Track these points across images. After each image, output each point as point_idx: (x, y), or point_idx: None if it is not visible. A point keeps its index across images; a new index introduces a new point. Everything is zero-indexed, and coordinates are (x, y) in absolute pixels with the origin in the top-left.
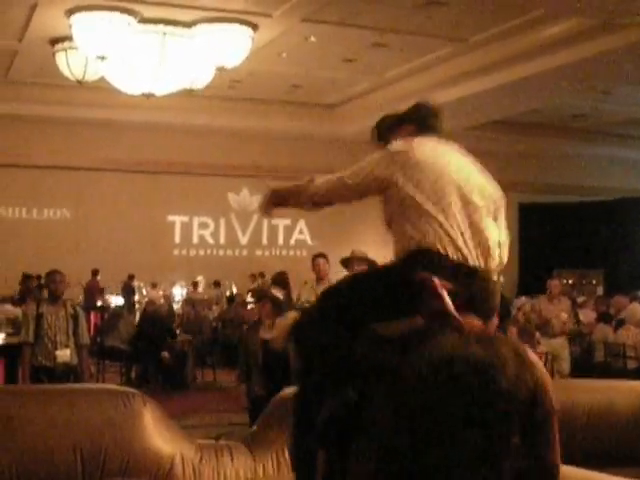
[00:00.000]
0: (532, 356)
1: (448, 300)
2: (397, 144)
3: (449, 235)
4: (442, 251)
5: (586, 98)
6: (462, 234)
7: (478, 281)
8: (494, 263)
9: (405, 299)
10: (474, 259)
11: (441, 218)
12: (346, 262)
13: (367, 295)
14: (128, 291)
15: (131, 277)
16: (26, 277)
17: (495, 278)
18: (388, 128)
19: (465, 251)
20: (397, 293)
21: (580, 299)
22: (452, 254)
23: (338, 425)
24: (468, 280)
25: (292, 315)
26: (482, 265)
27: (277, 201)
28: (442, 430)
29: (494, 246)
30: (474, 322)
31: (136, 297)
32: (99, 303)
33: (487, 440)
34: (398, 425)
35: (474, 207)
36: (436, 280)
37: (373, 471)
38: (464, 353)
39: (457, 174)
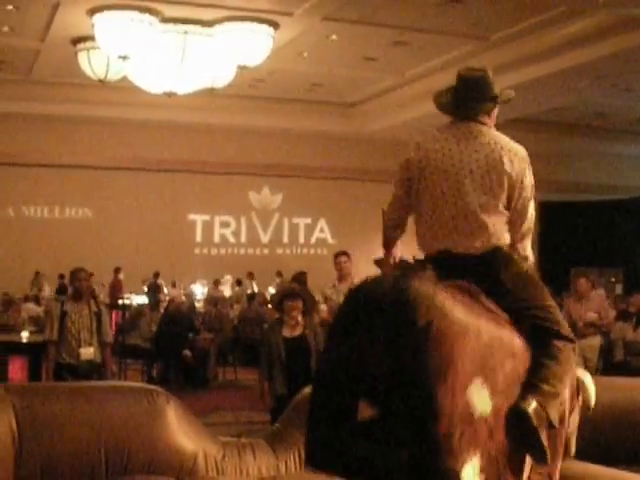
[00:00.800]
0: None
1: None
2: (410, 150)
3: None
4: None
5: (607, 96)
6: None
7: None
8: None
9: None
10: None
11: (425, 227)
12: (380, 262)
13: None
14: (154, 289)
15: (156, 275)
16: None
17: None
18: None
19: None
20: None
21: None
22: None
23: None
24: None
25: None
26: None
27: (386, 247)
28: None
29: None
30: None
31: (160, 295)
32: (120, 301)
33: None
34: None
35: (463, 207)
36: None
37: None
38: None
39: (454, 175)
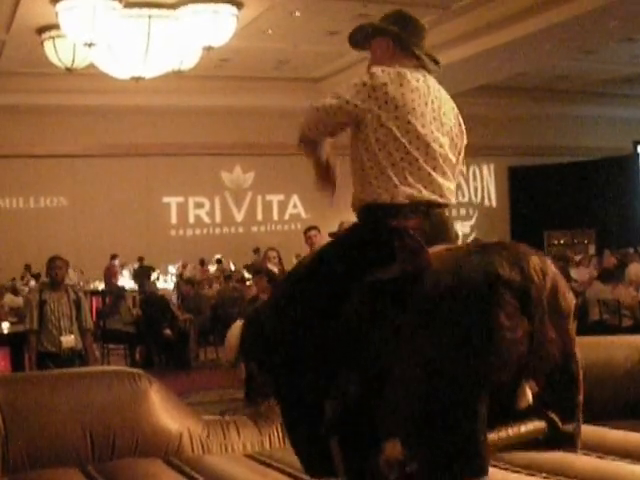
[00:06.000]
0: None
1: (420, 239)
2: (376, 75)
3: (409, 183)
4: (400, 199)
5: (570, 59)
6: (421, 179)
7: (435, 216)
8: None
9: (375, 253)
10: (430, 196)
11: (404, 164)
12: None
13: (339, 259)
14: (144, 274)
15: (141, 259)
16: None
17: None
18: (365, 37)
19: (423, 193)
20: (367, 250)
21: (577, 257)
22: (407, 198)
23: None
24: (426, 217)
25: (237, 325)
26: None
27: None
28: (481, 334)
29: (451, 188)
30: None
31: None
32: (100, 287)
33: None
34: (437, 341)
35: (439, 148)
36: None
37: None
38: (486, 265)
39: (430, 112)
